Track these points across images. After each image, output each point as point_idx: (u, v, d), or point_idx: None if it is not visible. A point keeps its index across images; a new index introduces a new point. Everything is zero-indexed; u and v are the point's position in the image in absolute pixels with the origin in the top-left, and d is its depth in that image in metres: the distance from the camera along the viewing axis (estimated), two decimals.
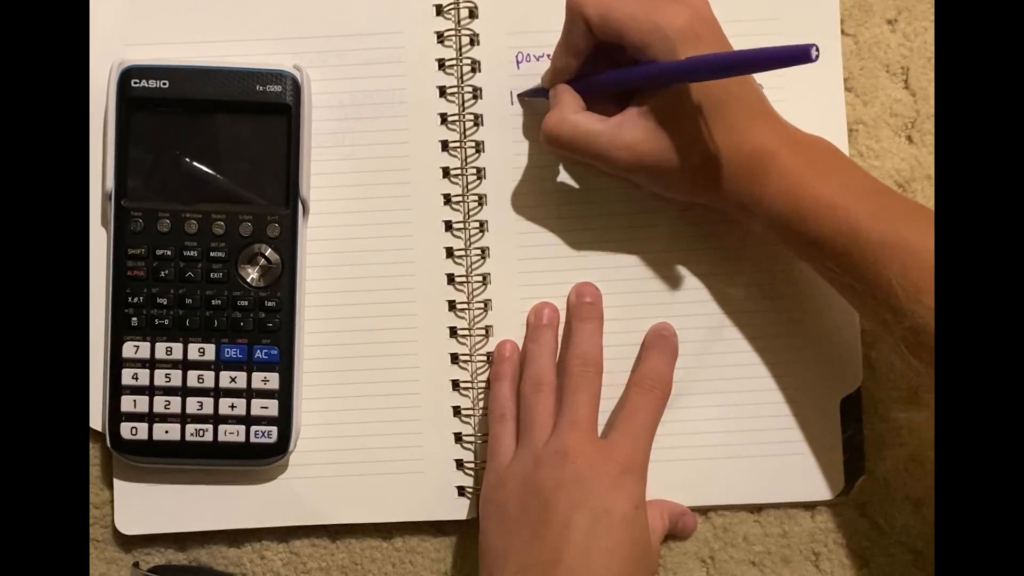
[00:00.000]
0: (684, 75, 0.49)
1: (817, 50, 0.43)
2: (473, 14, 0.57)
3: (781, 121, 0.52)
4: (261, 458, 0.56)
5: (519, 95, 0.57)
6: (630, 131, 0.51)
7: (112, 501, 0.57)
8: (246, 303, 0.55)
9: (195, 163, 0.55)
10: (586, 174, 0.57)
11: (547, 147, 0.54)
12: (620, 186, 0.57)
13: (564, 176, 0.58)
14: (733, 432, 0.57)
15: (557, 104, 0.53)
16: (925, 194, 0.58)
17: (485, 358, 0.58)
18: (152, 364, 0.55)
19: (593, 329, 0.56)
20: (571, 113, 0.53)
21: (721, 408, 0.58)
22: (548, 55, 0.57)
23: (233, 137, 0.55)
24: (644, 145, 0.51)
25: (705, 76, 0.49)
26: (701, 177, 0.51)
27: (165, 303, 0.55)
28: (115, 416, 0.55)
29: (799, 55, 0.43)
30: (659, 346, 0.57)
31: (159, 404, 0.55)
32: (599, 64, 0.53)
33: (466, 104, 0.57)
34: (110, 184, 0.55)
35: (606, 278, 0.57)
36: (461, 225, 0.57)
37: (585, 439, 0.53)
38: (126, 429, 0.55)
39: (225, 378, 0.55)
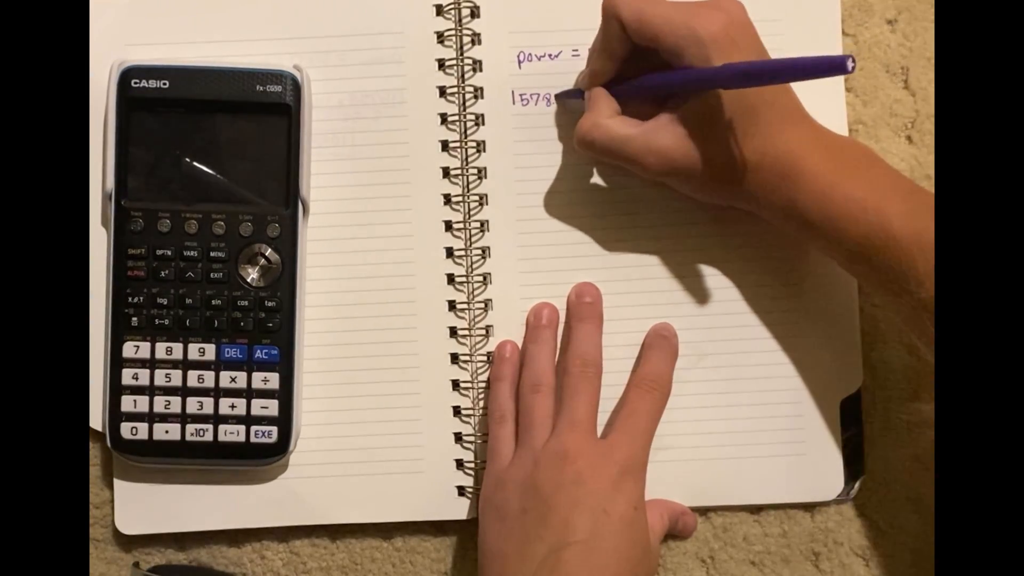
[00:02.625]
0: (719, 82, 0.49)
1: (853, 61, 0.43)
2: (474, 14, 0.57)
3: (814, 124, 0.52)
4: (261, 458, 0.56)
5: (556, 95, 0.57)
6: (663, 137, 0.51)
7: (112, 501, 0.57)
8: (246, 303, 0.55)
9: (195, 163, 0.55)
10: (588, 175, 0.58)
11: (580, 151, 0.54)
12: (622, 186, 0.57)
13: (566, 176, 0.58)
14: (733, 433, 0.58)
15: (591, 108, 0.53)
16: None
17: (485, 358, 0.58)
18: (152, 364, 0.55)
19: (592, 329, 0.56)
20: (604, 118, 0.53)
21: (721, 409, 0.58)
22: (550, 55, 0.57)
23: (233, 137, 0.55)
24: (676, 151, 0.51)
25: (740, 84, 0.48)
26: (734, 181, 0.51)
27: (165, 303, 0.55)
28: (115, 416, 0.55)
29: (835, 66, 0.43)
30: (659, 346, 0.57)
31: (159, 404, 0.55)
32: (637, 66, 0.53)
33: (467, 104, 0.57)
34: (110, 184, 0.55)
35: (606, 278, 0.57)
36: (461, 225, 0.57)
37: (584, 440, 0.53)
38: (126, 429, 0.55)
39: (225, 378, 0.55)
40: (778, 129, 0.50)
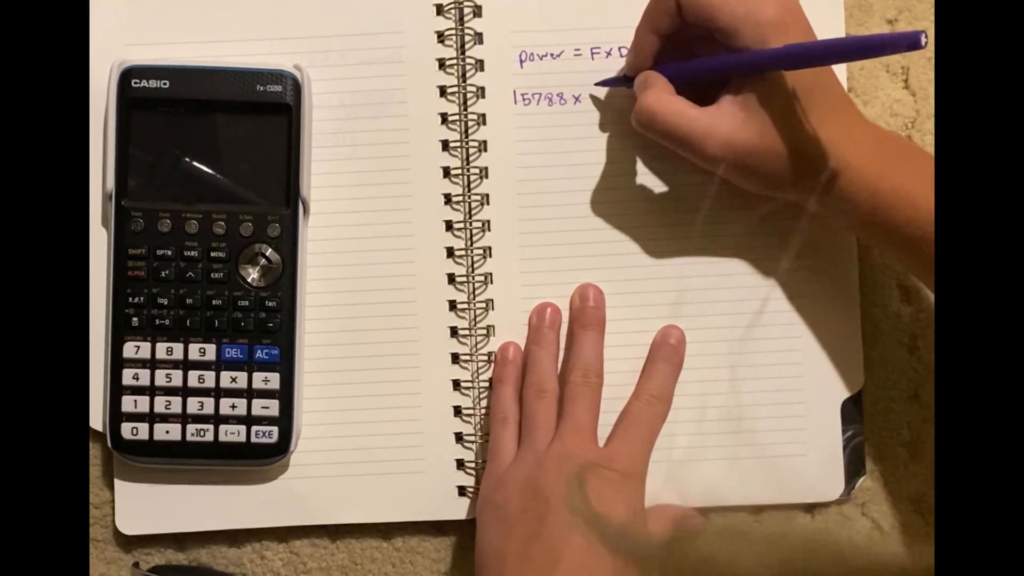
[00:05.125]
0: (792, 61, 0.48)
1: (926, 36, 0.42)
2: (476, 13, 0.57)
3: (860, 114, 0.52)
4: (262, 458, 0.56)
5: (596, 83, 0.57)
6: (725, 121, 0.51)
7: (112, 501, 0.57)
8: (247, 303, 0.55)
9: (195, 163, 0.55)
10: (589, 174, 0.57)
11: (639, 127, 0.53)
12: (623, 186, 0.57)
13: (568, 176, 0.58)
14: (734, 433, 0.57)
15: (653, 86, 0.52)
16: None
17: (486, 358, 0.58)
18: (153, 364, 0.55)
19: (595, 337, 0.56)
20: (667, 94, 0.52)
21: (722, 409, 0.58)
22: (552, 54, 0.57)
23: (233, 137, 0.55)
24: (739, 135, 0.51)
25: (813, 62, 0.48)
26: (787, 169, 0.51)
27: (166, 303, 0.55)
28: (116, 416, 0.55)
29: (909, 42, 0.43)
30: (663, 358, 0.57)
31: (160, 404, 0.55)
32: (670, 56, 0.53)
33: (469, 103, 0.57)
34: (110, 184, 0.55)
35: (608, 278, 0.57)
36: (462, 225, 0.57)
37: (587, 445, 0.53)
38: (127, 429, 0.55)
39: (226, 378, 0.55)
40: (828, 117, 0.50)
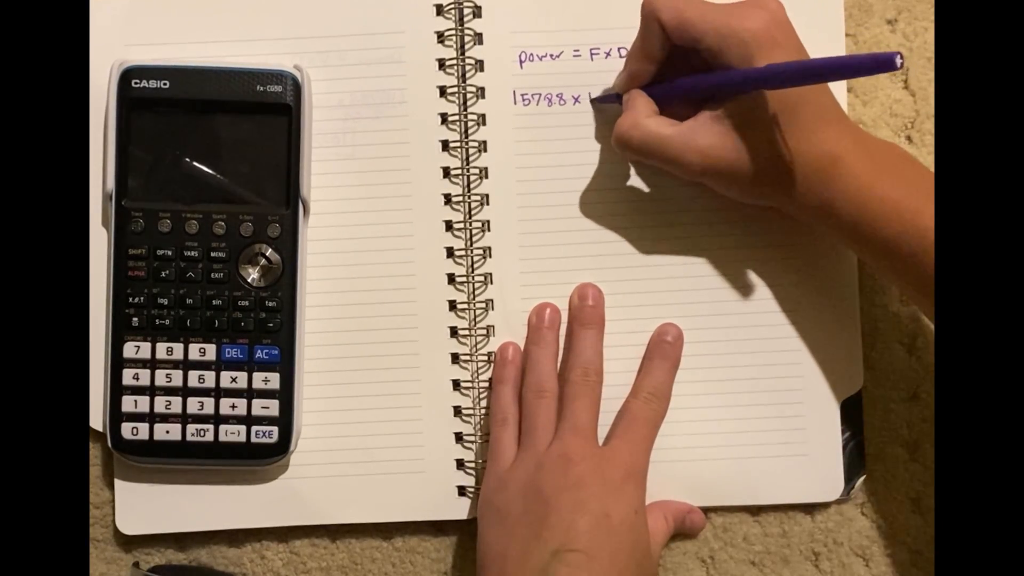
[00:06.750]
0: (766, 82, 0.49)
1: (902, 58, 0.42)
2: (476, 14, 0.57)
3: (851, 125, 0.52)
4: (262, 458, 0.56)
5: (592, 100, 0.57)
6: (703, 136, 0.51)
7: (113, 501, 0.57)
8: (247, 303, 0.55)
9: (195, 163, 0.55)
10: (589, 175, 0.57)
11: (618, 151, 0.54)
12: (622, 187, 0.57)
13: (567, 176, 0.58)
14: (733, 433, 0.58)
15: (630, 108, 0.53)
16: None
17: (486, 358, 0.58)
18: (153, 364, 0.55)
19: (594, 336, 0.56)
20: (644, 117, 0.52)
21: (722, 409, 0.58)
22: (552, 55, 0.57)
23: (233, 137, 0.55)
24: (717, 150, 0.51)
25: (787, 83, 0.48)
26: (773, 181, 0.51)
27: (166, 303, 0.55)
28: (116, 416, 0.55)
29: (883, 63, 0.43)
30: (661, 356, 0.57)
31: (160, 404, 0.55)
32: (673, 69, 0.53)
33: (469, 104, 0.57)
34: (110, 184, 0.55)
35: (608, 278, 0.57)
36: (462, 225, 0.57)
37: (586, 445, 0.53)
38: (127, 429, 0.55)
39: (226, 378, 0.55)
40: (816, 128, 0.50)
